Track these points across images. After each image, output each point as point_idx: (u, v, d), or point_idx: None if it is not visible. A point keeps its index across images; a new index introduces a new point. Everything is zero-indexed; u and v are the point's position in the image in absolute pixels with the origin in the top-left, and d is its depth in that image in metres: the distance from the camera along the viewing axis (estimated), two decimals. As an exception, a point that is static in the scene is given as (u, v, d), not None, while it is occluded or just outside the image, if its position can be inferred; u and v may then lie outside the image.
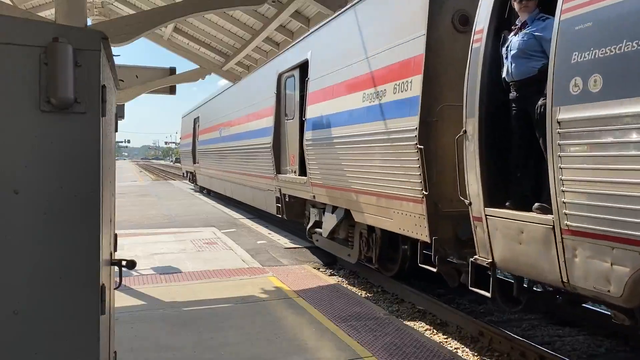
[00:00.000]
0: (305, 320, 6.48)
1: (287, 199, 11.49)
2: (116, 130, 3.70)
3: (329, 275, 9.66)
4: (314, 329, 6.17)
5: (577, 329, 6.63)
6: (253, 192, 14.94)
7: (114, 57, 3.23)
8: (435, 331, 6.94)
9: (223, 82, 18.07)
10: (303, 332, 6.04)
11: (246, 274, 8.90)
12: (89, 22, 8.45)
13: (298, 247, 11.70)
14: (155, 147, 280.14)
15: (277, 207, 12.07)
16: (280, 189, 11.76)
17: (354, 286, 9.19)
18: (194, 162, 26.24)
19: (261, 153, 12.82)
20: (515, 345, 5.87)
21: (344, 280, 9.59)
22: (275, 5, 7.19)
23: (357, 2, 7.79)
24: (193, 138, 26.38)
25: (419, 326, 7.11)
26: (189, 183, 32.60)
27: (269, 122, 12.22)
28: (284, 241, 12.48)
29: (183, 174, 33.62)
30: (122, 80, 9.39)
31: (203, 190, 27.63)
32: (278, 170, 11.81)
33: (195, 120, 25.77)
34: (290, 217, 11.74)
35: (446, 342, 6.55)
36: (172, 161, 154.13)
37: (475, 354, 6.16)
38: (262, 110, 13.00)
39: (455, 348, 6.35)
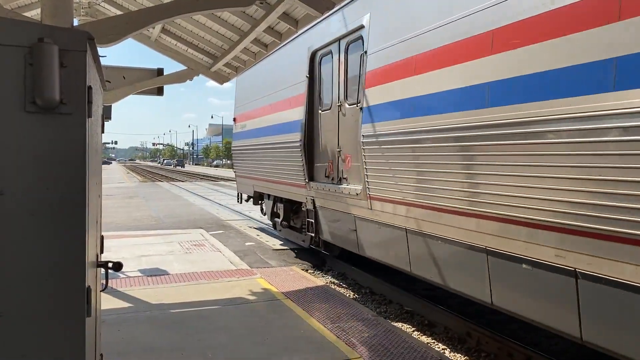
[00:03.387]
0: (293, 321, 6.48)
1: None
2: (103, 132, 3.68)
3: (318, 277, 9.67)
4: (302, 330, 6.16)
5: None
6: None
7: (100, 57, 3.21)
8: (423, 332, 6.97)
9: (212, 83, 16.86)
10: (291, 334, 6.03)
11: (234, 276, 8.87)
12: (76, 22, 8.39)
13: (286, 249, 11.70)
14: (143, 148, 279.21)
15: None
16: None
17: (343, 287, 9.20)
18: (311, 178, 9.81)
19: None
20: (502, 346, 5.91)
21: (332, 281, 9.60)
22: (263, 6, 7.18)
23: None
24: (308, 107, 9.79)
25: (407, 327, 7.14)
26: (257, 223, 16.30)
27: None
28: (272, 243, 12.47)
29: (239, 195, 15.87)
30: (109, 82, 9.33)
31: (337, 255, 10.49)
32: None
33: (347, 48, 8.43)
34: None
35: (434, 343, 6.58)
36: (160, 163, 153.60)
37: (463, 354, 6.20)
38: None
39: (442, 349, 6.39)
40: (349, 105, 8.21)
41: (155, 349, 5.50)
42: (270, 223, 13.47)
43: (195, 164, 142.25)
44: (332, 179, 8.85)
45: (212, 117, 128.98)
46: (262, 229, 14.90)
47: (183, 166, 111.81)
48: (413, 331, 7.00)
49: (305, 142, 9.72)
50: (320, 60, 9.42)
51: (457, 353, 6.24)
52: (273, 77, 11.92)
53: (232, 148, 15.92)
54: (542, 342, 6.29)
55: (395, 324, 7.01)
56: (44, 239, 2.29)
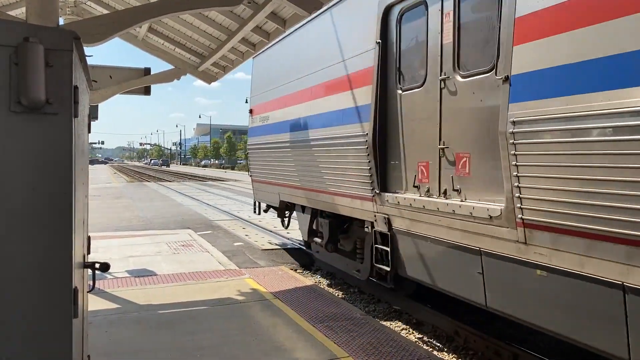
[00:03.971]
0: (282, 321, 6.48)
1: None
2: (89, 132, 3.66)
3: (306, 277, 9.67)
4: (290, 330, 6.16)
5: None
6: None
7: (86, 57, 3.19)
8: (411, 331, 7.00)
9: (200, 83, 16.63)
10: (280, 334, 6.03)
11: (223, 276, 8.85)
12: (62, 21, 8.32)
13: (275, 249, 11.68)
14: (130, 148, 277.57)
15: None
16: None
17: (331, 287, 9.21)
18: (384, 187, 6.84)
19: None
20: (490, 344, 5.95)
21: (321, 281, 9.61)
22: (250, 6, 7.18)
23: None
24: (380, 87, 6.76)
25: (395, 326, 7.16)
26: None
27: None
28: (261, 242, 12.45)
29: (257, 205, 12.67)
30: (96, 81, 9.28)
31: None
32: None
33: None
34: None
35: (422, 341, 6.62)
36: (147, 163, 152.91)
37: (451, 353, 6.23)
38: None
39: (431, 347, 6.42)
40: (464, 77, 5.46)
41: (143, 350, 5.47)
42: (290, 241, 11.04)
43: (183, 164, 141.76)
44: (428, 190, 6.02)
45: (199, 116, 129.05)
46: (250, 229, 14.87)
47: (168, 166, 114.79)
48: (401, 330, 7.03)
49: (376, 136, 6.78)
50: (401, 18, 6.53)
51: (445, 351, 6.28)
52: (313, 51, 8.83)
53: (248, 146, 12.68)
54: (529, 340, 6.34)
55: (384, 323, 7.03)
56: (29, 239, 2.27)
